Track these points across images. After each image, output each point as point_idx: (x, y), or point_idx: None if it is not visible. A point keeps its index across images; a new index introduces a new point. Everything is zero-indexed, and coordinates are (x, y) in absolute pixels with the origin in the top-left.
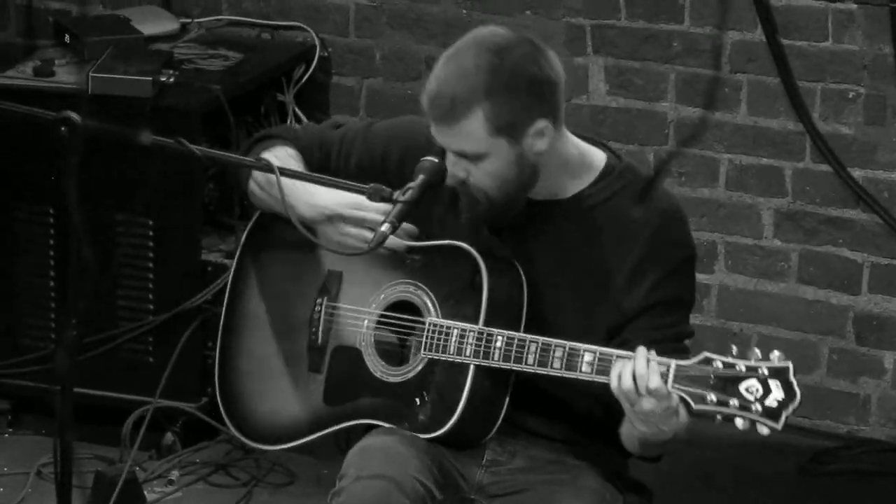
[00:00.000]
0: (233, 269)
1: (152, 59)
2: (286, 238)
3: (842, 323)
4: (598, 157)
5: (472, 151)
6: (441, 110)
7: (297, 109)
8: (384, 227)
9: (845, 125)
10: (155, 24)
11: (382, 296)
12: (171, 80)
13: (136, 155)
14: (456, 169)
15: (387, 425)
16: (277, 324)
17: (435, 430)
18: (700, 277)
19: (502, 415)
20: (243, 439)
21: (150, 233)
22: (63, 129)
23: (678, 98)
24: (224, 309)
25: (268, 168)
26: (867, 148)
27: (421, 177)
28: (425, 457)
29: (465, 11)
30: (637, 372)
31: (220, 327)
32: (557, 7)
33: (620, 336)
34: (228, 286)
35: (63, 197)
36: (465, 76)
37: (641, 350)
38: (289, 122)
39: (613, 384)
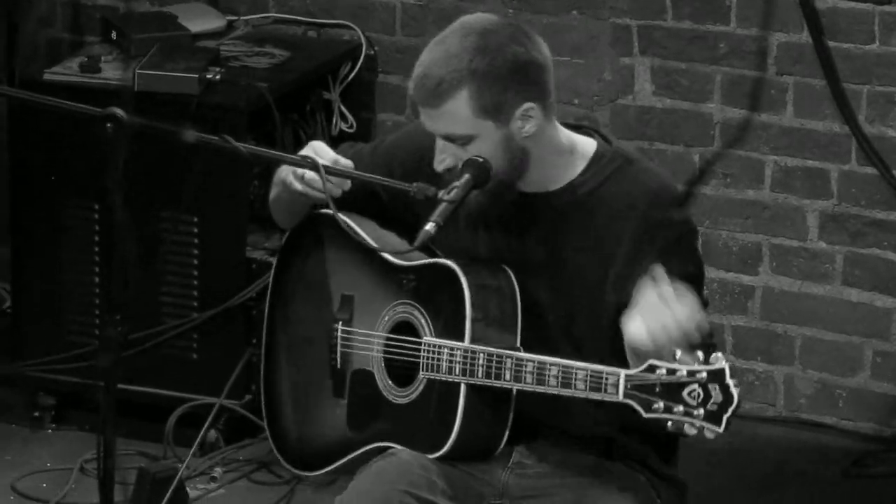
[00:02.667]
0: (269, 296)
1: (199, 56)
2: (307, 263)
3: (886, 325)
4: (588, 144)
5: (459, 133)
6: (426, 92)
7: (342, 108)
8: (428, 226)
9: (891, 127)
10: (201, 21)
11: (387, 317)
12: (218, 77)
13: (182, 152)
14: (444, 155)
15: (399, 447)
16: (305, 350)
17: (437, 451)
18: (744, 279)
19: (509, 424)
20: (288, 466)
21: (195, 230)
22: (108, 125)
23: (724, 99)
24: (265, 335)
25: (312, 165)
26: None
27: (465, 176)
28: (427, 472)
29: (510, 11)
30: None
31: (263, 356)
32: (604, 7)
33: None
34: (266, 313)
35: (108, 193)
36: (450, 58)
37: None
38: (334, 120)
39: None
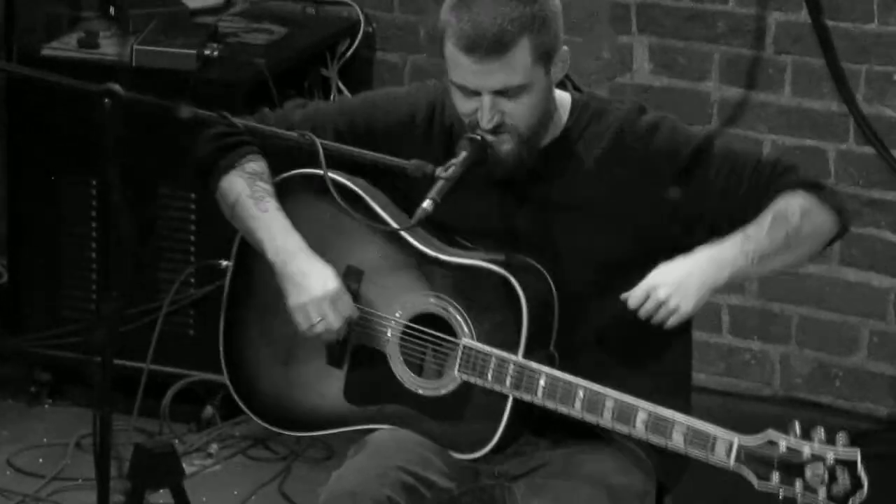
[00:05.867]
0: (238, 238)
1: (196, 32)
2: (298, 224)
3: (883, 305)
4: (563, 95)
5: (517, 83)
6: (489, 43)
7: (340, 85)
8: (426, 204)
9: (889, 107)
10: None
11: (409, 304)
12: (215, 53)
13: (180, 127)
14: (494, 111)
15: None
16: (284, 308)
17: (469, 453)
18: None
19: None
20: (255, 417)
21: (193, 206)
22: (106, 101)
23: (722, 78)
24: (229, 280)
25: (310, 144)
26: None
27: (463, 153)
28: (424, 449)
29: None
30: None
31: (225, 299)
32: None
33: (704, 221)
34: (233, 255)
35: (106, 169)
36: (502, 7)
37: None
38: (332, 97)
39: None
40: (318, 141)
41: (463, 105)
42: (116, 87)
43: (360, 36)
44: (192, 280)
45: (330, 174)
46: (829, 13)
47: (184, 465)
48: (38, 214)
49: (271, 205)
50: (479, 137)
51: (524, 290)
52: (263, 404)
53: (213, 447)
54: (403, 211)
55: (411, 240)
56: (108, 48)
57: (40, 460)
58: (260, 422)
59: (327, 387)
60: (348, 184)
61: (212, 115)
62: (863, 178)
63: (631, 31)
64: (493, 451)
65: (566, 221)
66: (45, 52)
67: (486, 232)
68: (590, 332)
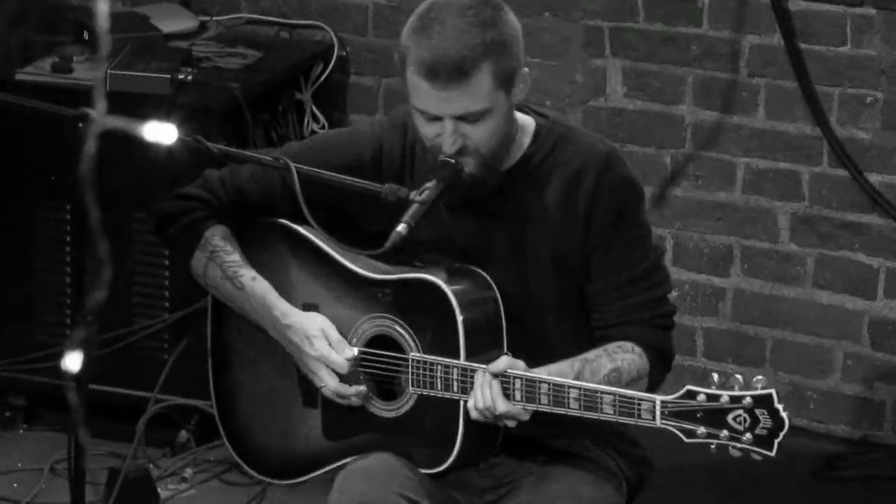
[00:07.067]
0: (211, 298)
1: (170, 56)
2: (260, 271)
3: (857, 328)
4: (527, 120)
5: (479, 109)
6: (450, 71)
7: (314, 108)
8: (400, 227)
9: (862, 130)
10: (174, 21)
11: (361, 330)
12: (189, 77)
13: (153, 152)
14: (456, 136)
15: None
16: (262, 357)
17: (436, 466)
18: (715, 281)
19: (501, 434)
20: (252, 471)
21: None
22: (80, 125)
23: (696, 101)
24: (210, 337)
25: (286, 168)
26: (884, 153)
27: (437, 177)
28: (414, 474)
29: None
30: (480, 405)
31: (210, 356)
32: (576, 9)
33: (592, 282)
34: (210, 315)
35: (80, 194)
36: (462, 35)
37: (481, 376)
38: (306, 121)
39: (473, 415)
40: (292, 165)
41: (425, 129)
42: (91, 112)
43: (333, 59)
44: (167, 305)
45: (282, 221)
46: (802, 36)
47: (158, 490)
48: (12, 239)
49: (245, 277)
50: (452, 160)
51: (454, 291)
52: (263, 459)
53: (188, 471)
54: (365, 244)
55: (354, 267)
56: (82, 73)
57: (15, 485)
58: (266, 479)
59: (310, 428)
60: (301, 230)
61: (187, 139)
62: (836, 201)
63: (604, 54)
64: (457, 460)
65: (531, 241)
66: (19, 76)
67: (454, 255)
68: (552, 346)
